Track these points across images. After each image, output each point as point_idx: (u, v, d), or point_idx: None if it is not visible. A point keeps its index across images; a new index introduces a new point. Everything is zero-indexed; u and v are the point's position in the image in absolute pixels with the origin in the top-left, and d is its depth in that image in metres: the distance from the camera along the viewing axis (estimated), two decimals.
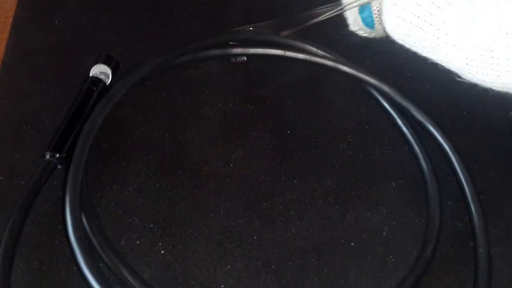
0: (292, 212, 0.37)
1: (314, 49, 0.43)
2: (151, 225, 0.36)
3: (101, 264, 0.32)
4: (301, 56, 0.42)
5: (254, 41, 0.43)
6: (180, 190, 0.38)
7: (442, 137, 0.39)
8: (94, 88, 0.40)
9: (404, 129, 0.40)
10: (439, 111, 0.45)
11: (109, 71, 0.42)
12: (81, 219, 0.32)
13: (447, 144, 0.38)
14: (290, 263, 0.35)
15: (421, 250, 0.35)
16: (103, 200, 0.36)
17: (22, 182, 0.36)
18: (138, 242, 0.35)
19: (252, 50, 0.42)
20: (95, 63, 0.42)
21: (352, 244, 0.36)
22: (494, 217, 0.39)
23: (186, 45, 0.42)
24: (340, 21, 0.51)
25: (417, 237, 0.37)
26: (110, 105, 0.37)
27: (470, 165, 0.42)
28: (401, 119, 0.41)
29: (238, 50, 0.42)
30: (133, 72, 0.39)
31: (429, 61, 0.36)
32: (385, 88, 0.41)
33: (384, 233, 0.37)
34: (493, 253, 0.37)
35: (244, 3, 0.51)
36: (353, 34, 0.50)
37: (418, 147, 0.40)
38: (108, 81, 0.42)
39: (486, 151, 0.43)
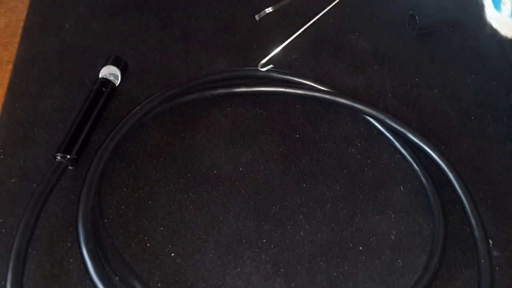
0: (300, 216, 0.38)
1: (312, 84, 0.44)
2: (161, 228, 0.36)
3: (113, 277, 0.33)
4: (300, 92, 0.44)
5: (255, 78, 0.45)
6: (190, 194, 0.38)
7: (439, 157, 0.40)
8: (104, 89, 0.41)
9: (403, 151, 0.42)
10: (447, 116, 0.45)
11: (118, 72, 0.43)
12: (92, 231, 0.33)
13: (445, 164, 0.39)
14: (299, 266, 0.35)
15: (429, 259, 0.36)
16: (114, 203, 0.37)
17: (34, 185, 0.36)
18: (148, 244, 0.35)
19: (254, 89, 0.44)
20: (104, 64, 0.43)
21: (360, 248, 0.37)
22: (502, 222, 0.39)
23: (193, 81, 0.43)
24: (346, 26, 0.52)
25: (425, 241, 0.37)
26: (120, 133, 0.38)
27: (478, 170, 0.42)
28: (398, 142, 0.42)
29: (241, 89, 0.44)
30: (144, 105, 0.40)
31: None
32: (381, 115, 0.42)
33: (392, 237, 0.37)
34: (501, 258, 0.37)
35: (253, 9, 0.51)
36: (360, 41, 0.50)
37: (417, 165, 0.41)
38: (117, 82, 0.43)
39: (494, 156, 0.43)
